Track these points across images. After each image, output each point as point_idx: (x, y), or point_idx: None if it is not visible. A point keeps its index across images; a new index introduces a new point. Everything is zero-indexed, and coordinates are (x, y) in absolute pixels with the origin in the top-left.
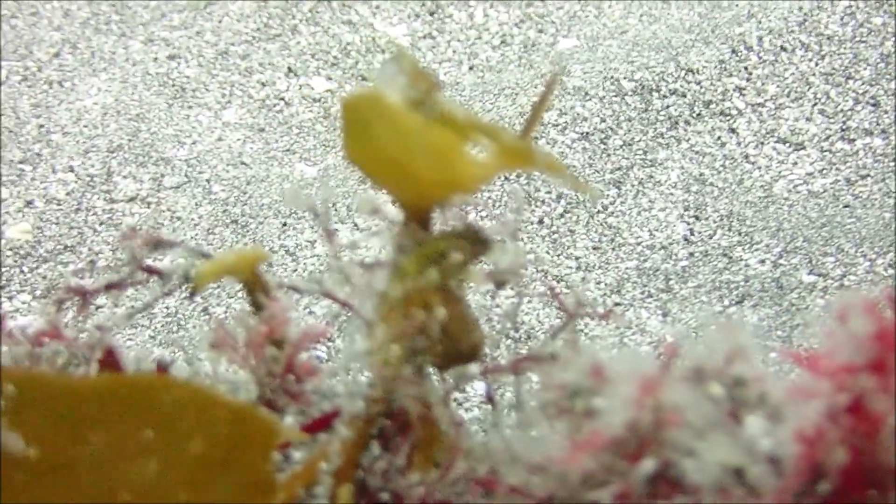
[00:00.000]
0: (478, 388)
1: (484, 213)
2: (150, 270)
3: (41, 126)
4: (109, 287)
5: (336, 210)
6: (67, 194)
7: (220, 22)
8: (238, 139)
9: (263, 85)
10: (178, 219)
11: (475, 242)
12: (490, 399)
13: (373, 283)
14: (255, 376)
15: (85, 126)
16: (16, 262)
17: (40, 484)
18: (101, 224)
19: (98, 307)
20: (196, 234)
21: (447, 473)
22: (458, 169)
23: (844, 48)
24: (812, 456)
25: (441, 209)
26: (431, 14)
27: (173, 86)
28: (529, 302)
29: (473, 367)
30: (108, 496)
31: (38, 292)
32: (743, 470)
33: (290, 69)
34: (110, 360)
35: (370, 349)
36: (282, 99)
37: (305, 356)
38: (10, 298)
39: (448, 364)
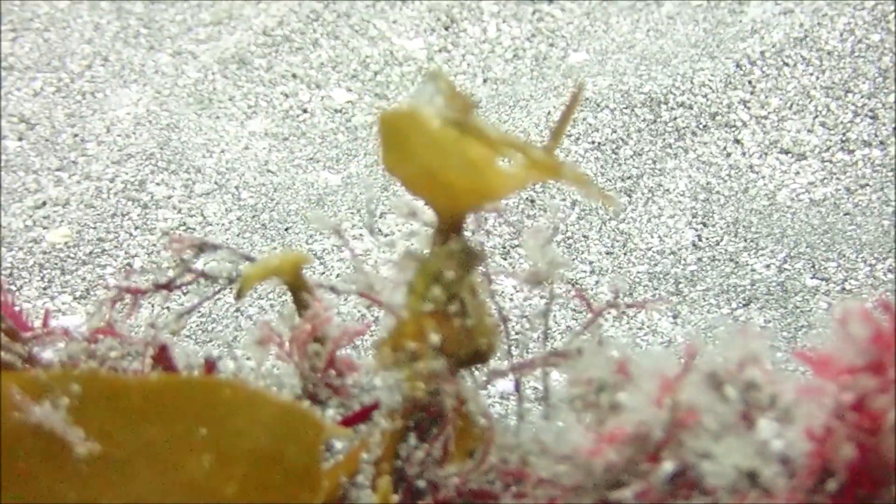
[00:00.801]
0: (498, 385)
1: (501, 220)
2: (197, 273)
3: (76, 135)
4: (159, 287)
5: (361, 216)
6: (103, 200)
7: (243, 35)
8: (264, 148)
9: (287, 96)
10: (210, 224)
11: (468, 256)
12: (518, 393)
13: (394, 296)
14: (298, 371)
15: (118, 135)
16: (56, 264)
17: (102, 476)
18: (136, 228)
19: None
20: (227, 239)
21: (481, 464)
22: (491, 178)
23: (844, 63)
24: (822, 453)
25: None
26: (446, 28)
27: (201, 97)
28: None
29: (503, 364)
30: (164, 489)
31: (77, 293)
32: (756, 472)
33: (311, 81)
34: (163, 356)
35: (400, 361)
36: (304, 110)
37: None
38: (52, 299)
39: (466, 363)
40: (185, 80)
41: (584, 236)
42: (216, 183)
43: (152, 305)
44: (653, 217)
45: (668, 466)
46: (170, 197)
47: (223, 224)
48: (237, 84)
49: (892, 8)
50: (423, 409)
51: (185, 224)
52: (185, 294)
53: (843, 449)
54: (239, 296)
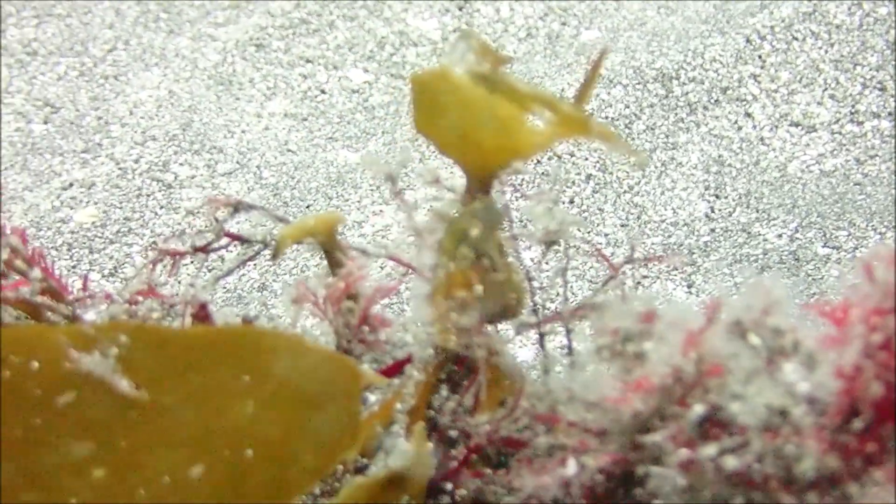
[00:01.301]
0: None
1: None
2: (233, 236)
3: (100, 118)
4: (197, 250)
5: (381, 191)
6: (128, 181)
7: (261, 18)
8: (283, 128)
9: (305, 77)
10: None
11: (491, 214)
12: (542, 348)
13: (426, 255)
14: (333, 327)
15: (141, 118)
16: (84, 243)
17: (150, 422)
18: (160, 208)
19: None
20: (250, 217)
21: (512, 412)
22: (520, 137)
23: (852, 36)
24: (851, 391)
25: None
26: (460, 9)
27: (221, 79)
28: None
29: (531, 317)
30: (210, 435)
31: (106, 271)
32: (787, 410)
33: (329, 62)
34: (203, 314)
35: (433, 318)
36: (322, 90)
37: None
38: (80, 277)
39: (495, 319)
40: (205, 63)
41: (600, 209)
42: (238, 163)
43: (199, 269)
44: (666, 190)
45: (698, 409)
46: (193, 177)
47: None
48: (256, 66)
49: None
50: (455, 361)
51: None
52: (221, 260)
53: (872, 386)
54: (275, 256)
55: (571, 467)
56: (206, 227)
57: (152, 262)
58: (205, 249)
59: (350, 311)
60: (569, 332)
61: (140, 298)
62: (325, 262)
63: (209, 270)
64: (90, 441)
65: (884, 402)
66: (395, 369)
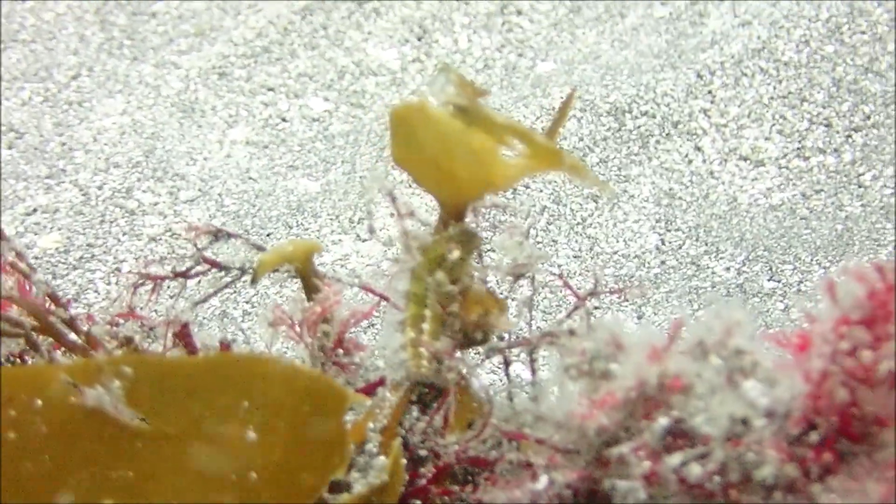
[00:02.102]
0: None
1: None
2: (211, 262)
3: (63, 144)
4: (177, 275)
5: (339, 221)
6: (92, 207)
7: (224, 47)
8: (245, 156)
9: (266, 105)
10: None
11: (467, 240)
12: (507, 374)
13: (400, 280)
14: (308, 350)
15: (105, 144)
16: (48, 269)
17: (156, 453)
18: (123, 234)
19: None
20: (211, 244)
21: (480, 432)
22: (494, 169)
23: (800, 73)
24: (817, 395)
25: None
26: (419, 39)
27: (183, 106)
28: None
29: (500, 342)
30: (215, 461)
31: (69, 297)
32: (748, 420)
33: (290, 91)
34: (184, 334)
35: (403, 343)
36: (283, 119)
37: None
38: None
39: (465, 343)
40: (168, 91)
41: (553, 241)
42: (200, 190)
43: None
44: (618, 222)
45: (663, 421)
46: (156, 203)
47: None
48: (218, 94)
49: (846, 20)
50: (426, 383)
51: (170, 230)
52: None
53: (838, 392)
54: (254, 281)
55: (542, 482)
56: (175, 254)
57: (133, 285)
58: (185, 274)
59: (326, 335)
60: (533, 358)
61: (120, 321)
62: (286, 291)
63: (185, 298)
64: (97, 473)
65: (845, 416)
66: (369, 391)
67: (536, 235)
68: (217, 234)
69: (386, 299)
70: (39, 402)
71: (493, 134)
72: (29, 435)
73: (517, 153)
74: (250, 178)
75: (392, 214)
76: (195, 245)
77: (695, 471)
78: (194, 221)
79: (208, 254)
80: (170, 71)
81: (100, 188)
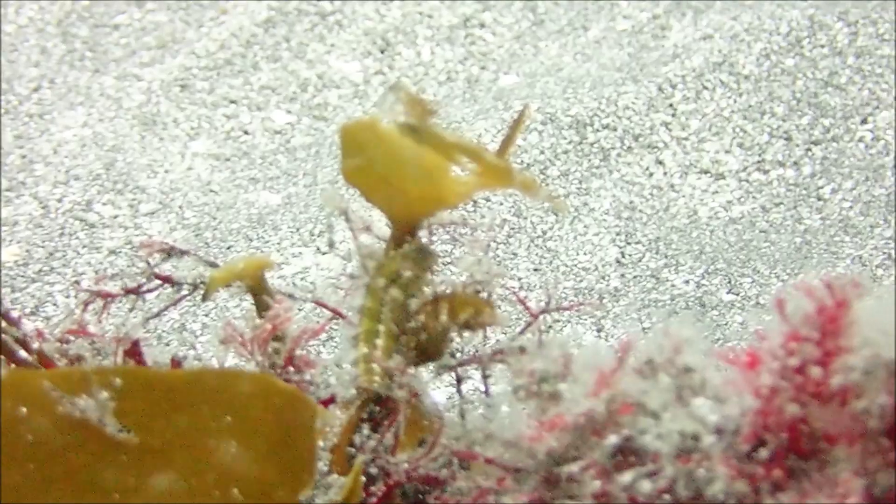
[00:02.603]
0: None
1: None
2: (163, 278)
3: (24, 156)
4: (128, 292)
5: (300, 234)
6: (51, 220)
7: (186, 59)
8: (206, 168)
9: (228, 118)
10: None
11: (423, 257)
12: (459, 391)
13: (355, 297)
14: (259, 367)
15: (65, 157)
16: (7, 282)
17: (141, 465)
18: (83, 247)
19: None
20: (180, 261)
21: (431, 450)
22: (444, 186)
23: (760, 87)
24: (767, 411)
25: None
26: (382, 52)
27: (145, 119)
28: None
29: (451, 360)
30: (198, 475)
31: (27, 310)
32: (698, 436)
33: (252, 104)
34: (135, 352)
35: (356, 358)
36: (245, 131)
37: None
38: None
39: (417, 361)
40: (129, 103)
41: (514, 253)
42: (161, 203)
43: (131, 309)
44: (579, 235)
45: (612, 439)
46: (116, 216)
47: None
48: (180, 106)
49: (806, 34)
50: (377, 401)
51: (130, 243)
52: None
53: (789, 407)
54: (205, 297)
55: None
56: (136, 268)
57: (84, 302)
58: (136, 291)
59: (276, 353)
60: (486, 375)
61: (71, 337)
62: (245, 305)
63: (137, 314)
64: (82, 485)
65: (796, 425)
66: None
67: (496, 248)
68: (170, 252)
69: (339, 315)
70: (24, 409)
71: (442, 152)
72: (13, 444)
73: (468, 170)
74: (211, 191)
75: (355, 227)
76: (147, 262)
77: (645, 487)
78: (154, 235)
79: (163, 269)
80: (131, 83)
81: (59, 201)
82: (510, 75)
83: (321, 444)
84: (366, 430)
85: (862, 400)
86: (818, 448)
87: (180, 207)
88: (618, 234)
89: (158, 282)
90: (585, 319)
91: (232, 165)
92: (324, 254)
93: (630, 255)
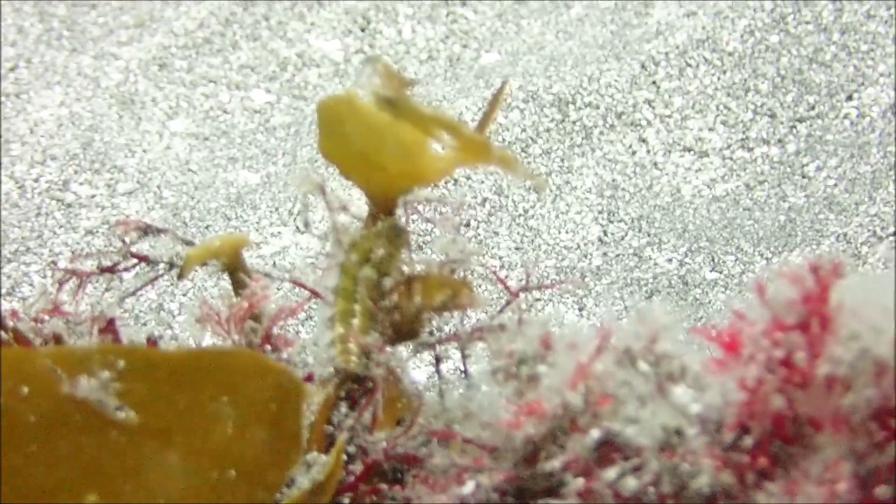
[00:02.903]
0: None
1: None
2: (139, 257)
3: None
4: (104, 270)
5: (279, 214)
6: (28, 200)
7: (164, 37)
8: (185, 148)
9: (207, 97)
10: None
11: (396, 235)
12: (437, 370)
13: (329, 276)
14: (235, 346)
15: (42, 136)
16: None
17: (141, 446)
18: (59, 227)
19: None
20: (156, 240)
21: (409, 429)
22: (422, 163)
23: (744, 63)
24: (752, 402)
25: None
26: (363, 30)
27: (123, 98)
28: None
29: (429, 338)
30: (196, 456)
31: (3, 290)
32: (681, 430)
33: (231, 82)
34: (110, 329)
35: (332, 339)
36: (224, 110)
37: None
38: None
39: (395, 339)
40: (107, 82)
41: (495, 232)
42: (138, 182)
43: (107, 289)
44: (561, 213)
45: (594, 434)
46: (93, 196)
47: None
48: (158, 85)
49: (790, 10)
50: (355, 380)
51: (107, 223)
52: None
53: (775, 400)
54: (181, 276)
55: (469, 486)
56: (112, 247)
57: (59, 281)
58: (111, 270)
59: (253, 331)
60: (464, 354)
61: (46, 317)
62: (223, 284)
63: (112, 293)
64: (84, 466)
65: (779, 420)
66: None
67: (478, 227)
68: (146, 230)
69: (316, 294)
70: (25, 389)
71: (420, 126)
72: (14, 423)
73: (447, 146)
74: (190, 171)
75: (332, 206)
76: (122, 240)
77: (630, 484)
78: (132, 216)
79: (140, 249)
80: (109, 62)
81: (36, 181)
82: (492, 53)
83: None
84: (343, 408)
85: (849, 395)
86: (803, 433)
87: (158, 187)
88: (600, 212)
89: (135, 261)
90: (567, 298)
91: (211, 145)
92: (302, 233)
93: (612, 234)
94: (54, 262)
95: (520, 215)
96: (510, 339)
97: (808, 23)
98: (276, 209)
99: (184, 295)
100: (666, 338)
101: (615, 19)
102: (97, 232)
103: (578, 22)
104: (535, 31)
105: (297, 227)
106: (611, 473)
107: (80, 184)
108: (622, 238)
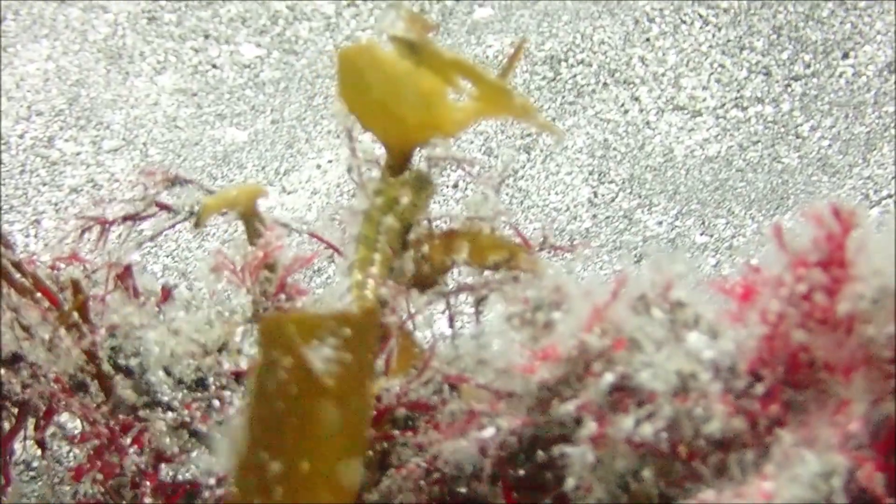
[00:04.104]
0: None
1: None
2: (162, 206)
3: None
4: (127, 218)
5: (265, 173)
6: (12, 157)
7: None
8: (172, 104)
9: (196, 51)
10: (117, 181)
11: (423, 185)
12: (451, 321)
13: (350, 226)
14: (251, 295)
15: (28, 91)
16: None
17: (321, 407)
18: (43, 185)
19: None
20: (134, 196)
21: (421, 375)
22: (441, 113)
23: (739, 20)
24: (774, 336)
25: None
26: None
27: (110, 52)
28: None
29: (444, 287)
30: (350, 409)
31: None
32: (695, 375)
33: (221, 36)
34: (126, 276)
35: (350, 285)
36: (213, 65)
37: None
38: None
39: (418, 286)
40: (95, 36)
41: (483, 193)
42: (124, 139)
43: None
44: (551, 174)
45: (608, 378)
46: (78, 153)
47: (131, 181)
48: (146, 39)
49: None
50: None
51: (93, 181)
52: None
53: (796, 333)
54: (197, 224)
55: (489, 430)
56: (135, 196)
57: (81, 228)
58: (135, 217)
59: (268, 281)
60: (479, 303)
61: (62, 265)
62: (206, 244)
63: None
64: (304, 429)
65: (798, 353)
66: None
67: (465, 188)
68: (174, 181)
69: (333, 247)
70: (276, 353)
71: (441, 72)
72: (266, 384)
73: (466, 95)
74: (177, 127)
75: (318, 166)
76: (147, 189)
77: (646, 430)
78: (117, 173)
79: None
80: (98, 15)
81: (21, 137)
82: (485, 7)
83: None
84: None
85: (870, 327)
86: (817, 378)
87: (144, 144)
88: (591, 173)
89: (157, 209)
90: (555, 262)
91: (198, 101)
92: (289, 193)
93: (602, 196)
94: (38, 222)
95: (509, 176)
96: (525, 287)
97: None
98: (263, 168)
99: (168, 256)
100: (680, 286)
101: None
102: (81, 190)
103: None
104: None
105: (284, 188)
106: (627, 422)
107: (66, 140)
108: (612, 200)
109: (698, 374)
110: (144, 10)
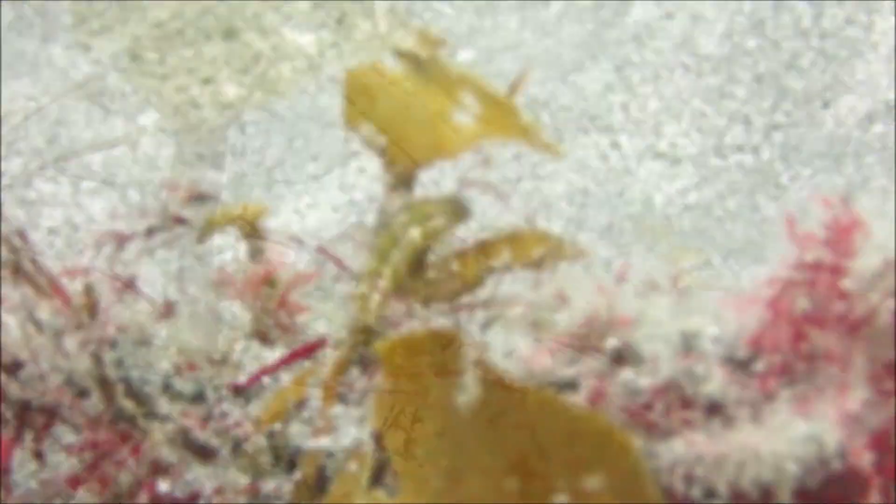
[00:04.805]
0: None
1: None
2: (178, 219)
3: None
4: (148, 233)
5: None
6: None
7: (137, 28)
8: (153, 144)
9: (178, 90)
10: (95, 221)
11: (459, 211)
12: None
13: (361, 240)
14: (251, 311)
15: (8, 130)
16: None
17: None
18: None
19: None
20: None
21: None
22: (445, 134)
23: (720, 68)
24: (778, 300)
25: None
26: (338, 23)
27: (92, 91)
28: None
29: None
30: None
31: None
32: (700, 333)
33: (203, 76)
34: (130, 288)
35: (356, 296)
36: (195, 105)
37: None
38: None
39: (430, 303)
40: (77, 74)
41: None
42: (103, 181)
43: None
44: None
45: (612, 343)
46: (56, 194)
47: (109, 222)
48: (129, 78)
49: (769, 14)
50: (368, 343)
51: (70, 222)
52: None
53: (800, 301)
54: (200, 239)
55: None
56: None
57: (98, 242)
58: (154, 232)
59: (269, 297)
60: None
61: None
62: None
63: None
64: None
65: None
66: (312, 348)
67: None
68: (198, 197)
69: (340, 265)
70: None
71: (447, 87)
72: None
73: (471, 115)
74: (157, 168)
75: (297, 211)
76: (165, 207)
77: (642, 383)
78: (95, 214)
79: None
80: (80, 53)
81: None
82: (468, 50)
83: (311, 380)
84: (355, 371)
85: (874, 294)
86: (815, 367)
87: (123, 186)
88: (570, 220)
89: (173, 224)
90: None
91: (179, 141)
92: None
93: (582, 244)
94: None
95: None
96: (527, 293)
97: (786, 27)
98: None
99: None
100: (687, 276)
101: (594, 18)
102: (59, 232)
103: (557, 20)
104: (512, 28)
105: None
106: (625, 374)
107: (44, 181)
108: (591, 248)
109: (701, 336)
110: (127, 49)
